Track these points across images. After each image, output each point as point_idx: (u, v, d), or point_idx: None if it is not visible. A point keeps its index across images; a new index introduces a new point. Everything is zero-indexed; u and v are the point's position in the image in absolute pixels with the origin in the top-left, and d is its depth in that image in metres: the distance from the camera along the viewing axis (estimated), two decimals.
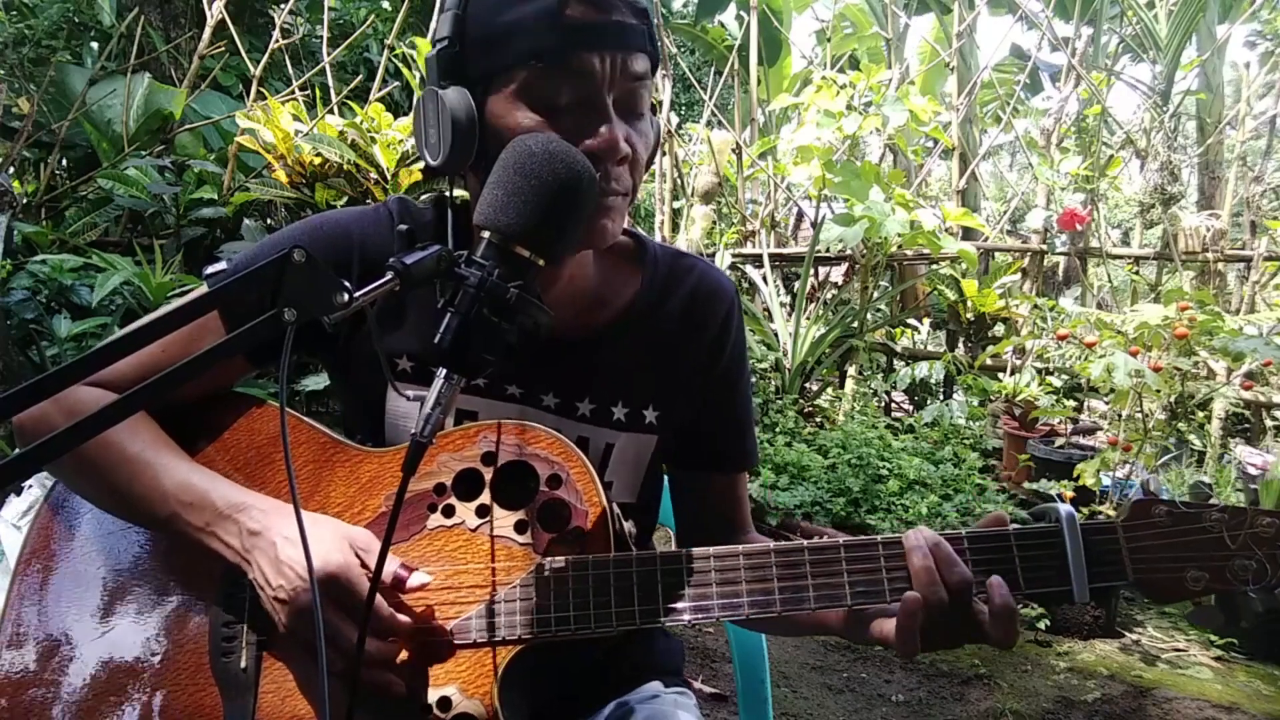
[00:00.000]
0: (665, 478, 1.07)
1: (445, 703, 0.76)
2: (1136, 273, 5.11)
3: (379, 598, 0.75)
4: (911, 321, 5.23)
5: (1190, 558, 0.75)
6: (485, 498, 0.81)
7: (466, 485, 0.82)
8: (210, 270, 0.86)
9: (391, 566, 0.77)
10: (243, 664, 0.80)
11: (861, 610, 0.80)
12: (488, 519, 0.81)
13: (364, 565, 0.76)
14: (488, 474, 0.82)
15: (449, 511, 0.82)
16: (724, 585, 0.77)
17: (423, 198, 0.95)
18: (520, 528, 0.80)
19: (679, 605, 0.77)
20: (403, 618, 0.77)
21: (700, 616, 0.77)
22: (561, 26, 0.74)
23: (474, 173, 0.82)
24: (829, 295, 5.40)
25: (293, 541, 0.75)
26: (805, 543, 0.77)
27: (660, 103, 5.28)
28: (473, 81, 0.78)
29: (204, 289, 0.86)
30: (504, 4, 0.76)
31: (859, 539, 0.77)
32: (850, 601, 0.76)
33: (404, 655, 0.77)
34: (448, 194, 0.87)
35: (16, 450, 0.86)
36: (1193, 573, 0.74)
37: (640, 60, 0.79)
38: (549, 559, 0.78)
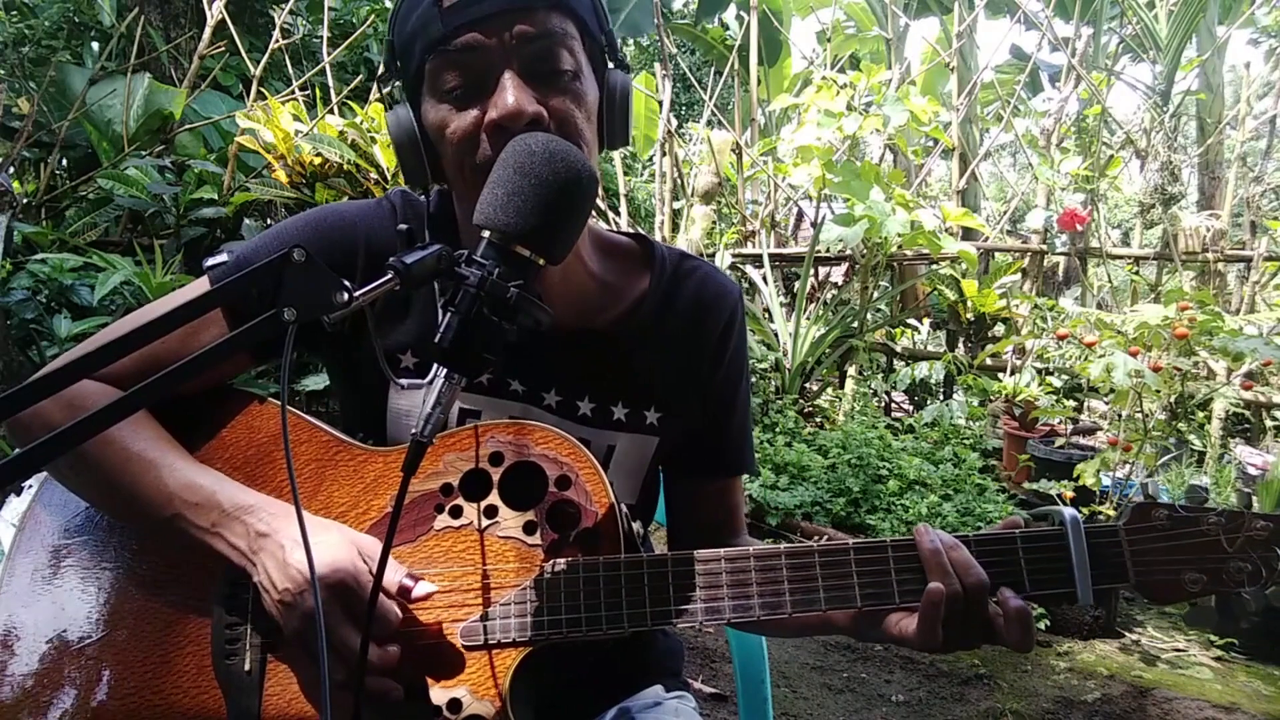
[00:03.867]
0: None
1: (455, 705, 0.76)
2: (1136, 273, 5.12)
3: (388, 603, 0.74)
4: (911, 321, 5.23)
5: (1188, 560, 0.76)
6: (493, 498, 0.80)
7: (474, 486, 0.81)
8: (211, 262, 0.86)
9: (397, 576, 0.76)
10: (246, 666, 0.79)
11: (874, 611, 0.80)
12: (496, 520, 0.80)
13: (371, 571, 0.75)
14: (495, 474, 0.81)
15: (456, 512, 0.81)
16: (735, 587, 0.76)
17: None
18: (529, 529, 0.79)
19: (691, 607, 0.76)
20: (408, 620, 0.76)
21: (712, 618, 0.76)
22: (441, 12, 0.75)
23: (441, 180, 0.84)
24: (829, 295, 5.40)
25: (301, 545, 0.74)
26: (815, 544, 0.77)
27: (661, 102, 5.28)
28: (410, 96, 0.82)
29: (205, 282, 0.86)
30: (407, 13, 0.79)
31: (869, 541, 0.77)
32: (860, 604, 0.76)
33: (412, 658, 0.76)
34: (426, 190, 0.88)
35: (15, 450, 0.85)
36: (1190, 575, 0.76)
37: (545, 17, 0.77)
38: (558, 560, 0.78)
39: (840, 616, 0.84)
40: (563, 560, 0.78)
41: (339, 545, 0.75)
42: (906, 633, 0.77)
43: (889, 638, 0.79)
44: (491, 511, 0.80)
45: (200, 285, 0.88)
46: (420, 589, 0.76)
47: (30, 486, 1.01)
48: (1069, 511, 0.76)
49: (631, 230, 0.96)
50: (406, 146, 0.82)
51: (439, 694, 0.76)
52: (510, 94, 0.74)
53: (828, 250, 4.61)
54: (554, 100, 0.77)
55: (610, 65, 0.85)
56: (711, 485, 1.03)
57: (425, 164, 0.82)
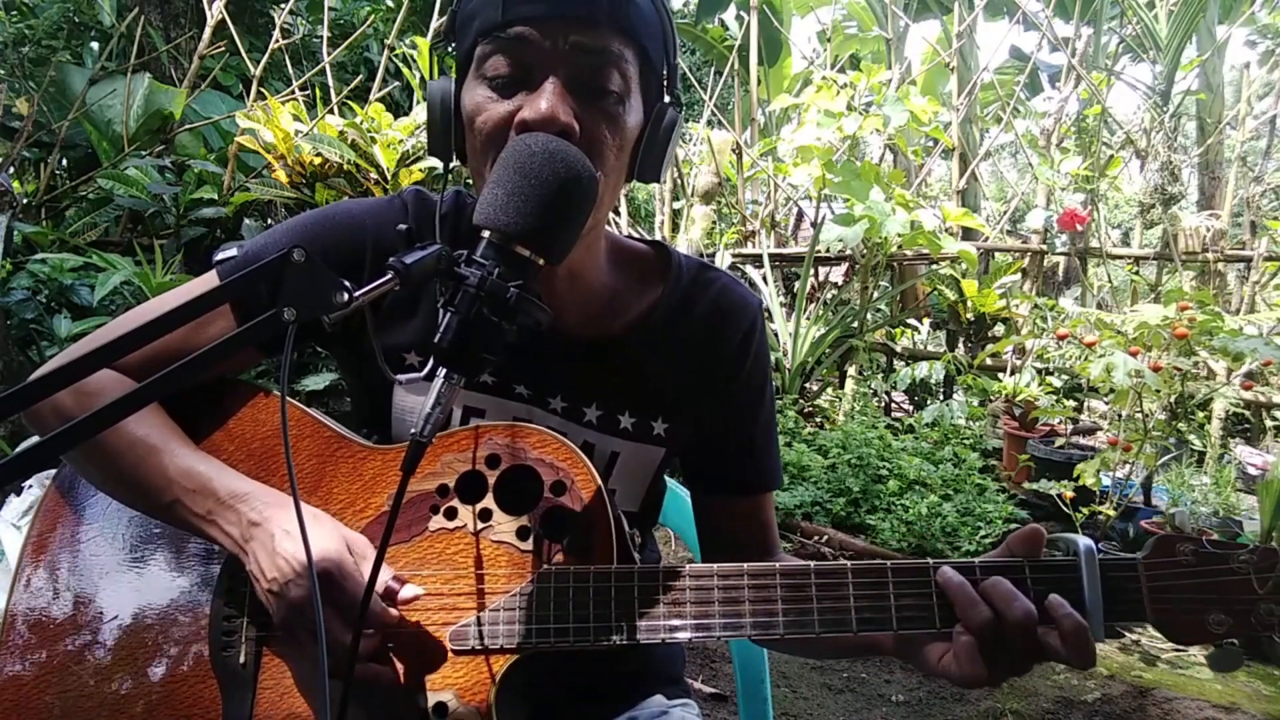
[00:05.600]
0: (675, 491, 1.05)
1: (441, 708, 0.75)
2: (1136, 273, 5.12)
3: (378, 601, 0.74)
4: (911, 321, 5.24)
5: (1214, 600, 0.71)
6: (488, 501, 0.80)
7: (470, 487, 0.81)
8: (220, 256, 0.87)
9: (384, 577, 0.75)
10: (241, 659, 0.79)
11: (912, 636, 0.77)
12: (490, 524, 0.80)
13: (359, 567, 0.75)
14: (491, 477, 0.80)
15: (451, 514, 0.81)
16: (727, 604, 0.75)
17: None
18: (522, 534, 0.79)
19: (680, 621, 0.75)
20: (396, 615, 0.76)
21: (702, 635, 0.75)
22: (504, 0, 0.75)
23: (466, 164, 0.83)
24: (829, 295, 5.40)
25: (291, 535, 0.74)
26: (813, 565, 0.75)
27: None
28: (458, 72, 0.82)
29: (214, 276, 0.87)
30: None
31: (868, 563, 0.75)
32: (855, 628, 0.74)
33: (401, 659, 0.76)
34: (443, 186, 0.88)
35: (27, 440, 0.86)
36: (1215, 616, 0.71)
37: (605, 35, 0.75)
38: (550, 567, 0.77)
39: (884, 640, 0.81)
40: (554, 568, 0.77)
41: (327, 537, 0.75)
42: (949, 669, 0.74)
43: (933, 672, 0.76)
44: (486, 515, 0.80)
45: (210, 279, 0.88)
46: (406, 591, 0.76)
47: (30, 486, 1.01)
48: (1084, 541, 0.72)
49: (654, 239, 0.95)
50: (439, 119, 0.81)
51: (426, 697, 0.76)
52: (547, 99, 0.73)
53: (828, 250, 4.61)
54: (590, 119, 0.76)
55: (665, 100, 0.83)
56: (740, 504, 1.00)
57: (451, 140, 0.82)
